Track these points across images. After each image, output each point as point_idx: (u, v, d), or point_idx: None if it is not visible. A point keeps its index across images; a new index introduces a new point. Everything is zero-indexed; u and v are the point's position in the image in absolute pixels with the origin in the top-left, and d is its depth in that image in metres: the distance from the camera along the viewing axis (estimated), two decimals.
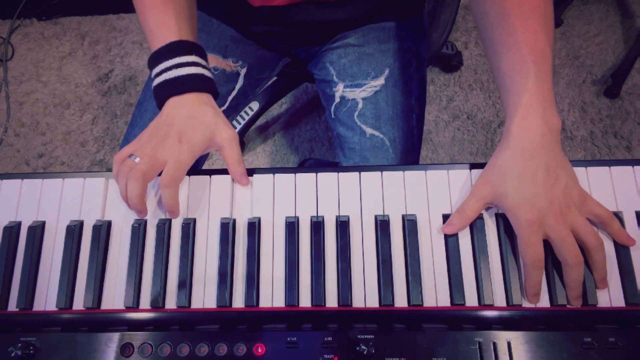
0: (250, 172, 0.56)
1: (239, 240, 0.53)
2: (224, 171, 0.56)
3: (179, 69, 0.56)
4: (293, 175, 0.56)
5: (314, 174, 0.56)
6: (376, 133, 0.75)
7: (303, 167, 1.37)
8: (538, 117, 0.49)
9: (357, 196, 0.54)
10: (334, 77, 0.79)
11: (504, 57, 0.52)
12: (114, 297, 0.52)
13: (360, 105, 0.76)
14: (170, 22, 0.58)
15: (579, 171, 0.54)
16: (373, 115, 0.76)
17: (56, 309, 0.51)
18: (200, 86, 0.57)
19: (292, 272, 0.51)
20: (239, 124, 1.36)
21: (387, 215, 0.53)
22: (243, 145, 1.46)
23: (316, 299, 0.50)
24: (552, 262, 0.50)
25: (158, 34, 0.58)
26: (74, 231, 0.53)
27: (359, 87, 0.77)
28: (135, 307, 0.51)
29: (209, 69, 0.59)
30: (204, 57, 0.59)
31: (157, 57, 0.57)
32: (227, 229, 0.53)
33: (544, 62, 0.50)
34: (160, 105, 0.58)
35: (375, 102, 0.76)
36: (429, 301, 0.50)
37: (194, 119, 0.55)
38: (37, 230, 0.54)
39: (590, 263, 0.49)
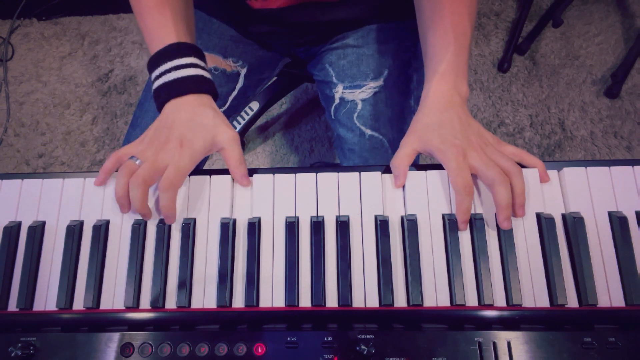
0: (251, 172, 0.57)
1: (239, 240, 0.53)
2: (224, 171, 0.56)
3: (177, 71, 0.56)
4: (293, 175, 0.56)
5: (314, 174, 0.56)
6: (375, 134, 0.75)
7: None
8: (450, 83, 0.57)
9: (357, 196, 0.54)
10: (334, 78, 0.79)
11: (431, 31, 0.60)
12: (114, 297, 0.52)
13: (359, 107, 0.76)
14: (168, 24, 0.59)
15: (579, 171, 0.54)
16: (372, 117, 0.75)
17: (56, 309, 0.51)
18: (200, 87, 0.57)
19: (292, 272, 0.51)
20: (239, 124, 1.36)
21: (387, 215, 0.53)
22: (243, 145, 1.46)
23: (316, 299, 0.50)
24: (544, 261, 0.50)
25: (156, 36, 0.59)
26: (74, 231, 0.53)
27: (358, 89, 0.77)
28: (135, 307, 0.51)
29: (207, 70, 0.59)
30: (202, 58, 0.59)
31: (155, 60, 0.58)
32: (227, 229, 0.53)
33: (463, 40, 0.58)
34: (160, 108, 0.58)
35: (375, 103, 0.76)
36: (429, 301, 0.50)
37: (194, 122, 0.55)
38: (37, 230, 0.54)
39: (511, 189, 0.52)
